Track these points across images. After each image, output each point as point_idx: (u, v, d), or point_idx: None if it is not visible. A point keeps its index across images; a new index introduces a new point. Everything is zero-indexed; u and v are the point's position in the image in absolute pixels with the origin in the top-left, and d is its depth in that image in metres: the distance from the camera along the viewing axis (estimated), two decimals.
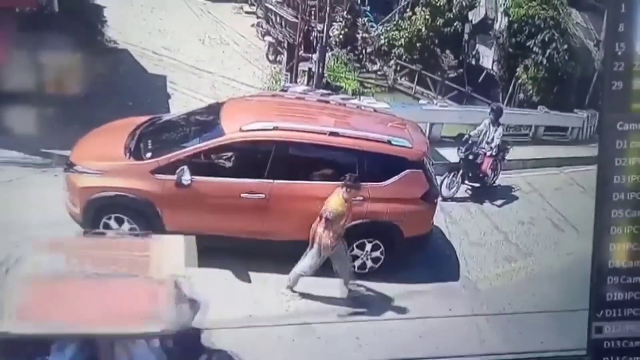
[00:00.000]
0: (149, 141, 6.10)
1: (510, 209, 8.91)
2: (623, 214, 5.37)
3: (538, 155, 11.46)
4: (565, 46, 17.96)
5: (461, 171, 8.62)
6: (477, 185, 8.39)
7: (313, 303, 5.84)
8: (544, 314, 6.45)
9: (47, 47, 6.62)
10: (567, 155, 11.89)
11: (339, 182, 5.82)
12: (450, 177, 8.53)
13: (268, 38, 17.74)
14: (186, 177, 5.51)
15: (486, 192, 8.30)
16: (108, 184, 5.56)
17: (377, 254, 6.23)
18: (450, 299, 6.42)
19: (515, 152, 10.51)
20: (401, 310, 6.07)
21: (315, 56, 13.45)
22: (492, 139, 8.32)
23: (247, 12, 13.20)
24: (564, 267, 7.62)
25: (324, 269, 6.15)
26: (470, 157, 8.50)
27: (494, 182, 7.70)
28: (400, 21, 12.95)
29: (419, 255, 6.73)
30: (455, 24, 12.53)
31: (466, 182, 8.66)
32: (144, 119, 6.69)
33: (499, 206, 8.72)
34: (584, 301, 6.63)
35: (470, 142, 8.67)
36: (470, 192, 8.20)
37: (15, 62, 6.46)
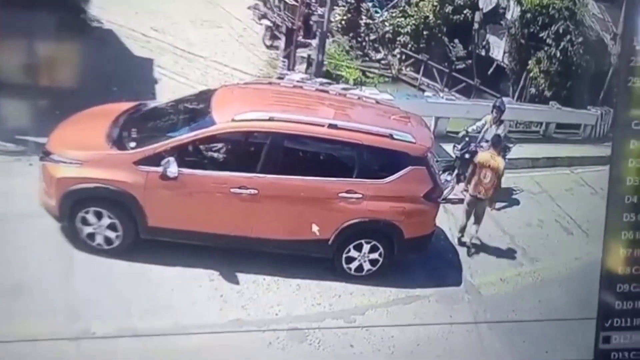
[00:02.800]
0: (134, 129, 5.96)
1: (517, 210, 8.87)
2: (635, 217, 5.33)
3: (548, 153, 11.40)
4: (581, 39, 17.83)
5: (456, 170, 8.50)
6: None
7: (305, 307, 5.77)
8: (550, 323, 6.41)
9: (23, 26, 6.44)
10: (578, 155, 11.84)
11: (336, 179, 5.74)
12: (445, 176, 8.39)
13: (265, 21, 17.54)
14: (172, 170, 5.40)
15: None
16: (87, 175, 5.43)
17: (375, 255, 6.16)
18: (452, 304, 6.36)
19: (525, 150, 10.45)
20: (399, 316, 6.00)
21: (315, 42, 13.32)
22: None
23: None
24: (572, 273, 7.58)
25: (324, 271, 6.14)
26: (467, 155, 8.33)
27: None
28: (406, 7, 12.82)
29: (419, 258, 6.67)
30: (464, 12, 12.43)
31: (462, 182, 8.53)
32: (128, 105, 6.56)
33: (499, 209, 8.63)
34: (591, 309, 6.60)
35: (467, 138, 8.52)
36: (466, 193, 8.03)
37: None
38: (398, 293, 6.26)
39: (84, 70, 9.21)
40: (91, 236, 5.60)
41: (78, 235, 5.60)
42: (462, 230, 7.54)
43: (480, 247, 7.65)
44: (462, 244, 7.63)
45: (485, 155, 7.45)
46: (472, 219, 7.41)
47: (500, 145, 7.57)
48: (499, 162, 7.31)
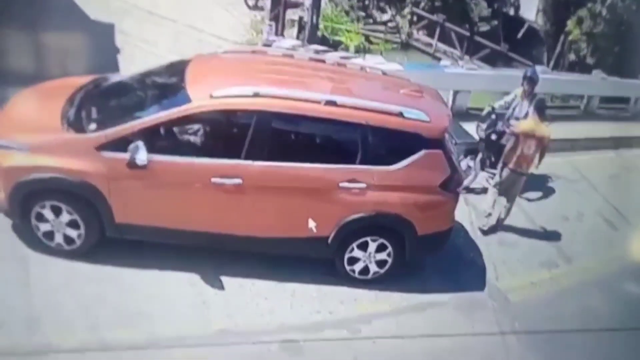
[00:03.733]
0: (93, 109, 6.09)
1: (553, 201, 9.10)
2: None
3: (590, 133, 11.64)
4: None
5: (480, 154, 8.60)
6: None
7: (302, 315, 5.97)
8: (591, 333, 6.65)
9: None
10: (627, 135, 12.08)
11: (336, 166, 5.90)
12: (466, 161, 8.49)
13: None
14: (141, 156, 5.48)
15: None
16: (41, 163, 5.52)
17: (383, 255, 6.36)
18: (474, 312, 6.61)
19: (562, 130, 10.66)
20: (411, 326, 6.21)
21: (307, 1, 13.45)
22: (527, 114, 8.21)
23: None
24: (617, 275, 7.86)
25: (323, 274, 6.36)
26: (493, 136, 8.45)
27: (527, 170, 7.77)
28: None
29: (435, 258, 6.93)
30: None
31: (487, 168, 8.66)
32: (86, 79, 6.70)
33: (532, 200, 8.85)
34: None
35: (493, 116, 8.59)
36: (492, 180, 8.32)
37: None
38: (410, 299, 6.50)
39: (29, 39, 9.36)
40: (49, 235, 5.76)
41: (34, 234, 5.77)
42: (490, 214, 7.94)
43: (510, 228, 8.00)
44: (490, 229, 7.95)
45: (529, 123, 7.80)
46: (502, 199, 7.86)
47: (544, 110, 7.83)
48: (544, 130, 7.63)
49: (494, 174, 8.18)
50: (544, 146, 7.64)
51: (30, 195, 5.59)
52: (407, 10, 20.55)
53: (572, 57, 18.03)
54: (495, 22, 20.59)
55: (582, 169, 10.24)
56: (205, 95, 5.73)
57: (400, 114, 6.03)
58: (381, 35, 20.04)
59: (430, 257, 6.92)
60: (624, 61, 16.76)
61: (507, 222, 8.07)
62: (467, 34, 19.75)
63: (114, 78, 6.91)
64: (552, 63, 18.91)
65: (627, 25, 17.20)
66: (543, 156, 7.75)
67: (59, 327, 5.18)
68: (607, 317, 6.96)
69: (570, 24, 18.03)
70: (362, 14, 20.10)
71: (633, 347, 6.52)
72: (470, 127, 8.99)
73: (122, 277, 5.77)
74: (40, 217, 5.68)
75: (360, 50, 16.58)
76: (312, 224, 6.01)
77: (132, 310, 5.48)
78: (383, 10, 20.91)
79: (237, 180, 5.71)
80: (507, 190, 7.89)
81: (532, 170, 7.86)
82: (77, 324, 5.25)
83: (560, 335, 6.52)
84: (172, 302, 5.68)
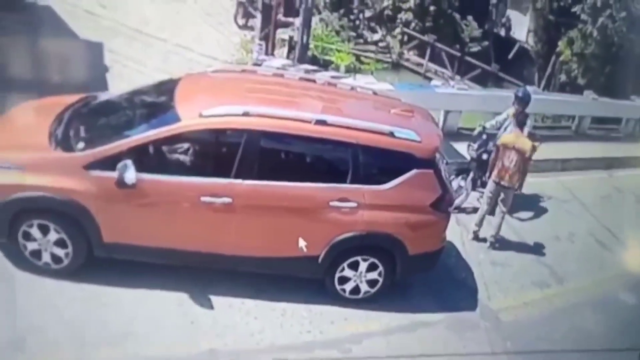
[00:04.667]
0: (82, 127, 6.17)
1: (544, 221, 9.22)
2: None
3: (581, 154, 11.81)
4: (623, 13, 18.33)
5: (471, 174, 8.74)
6: None
7: (292, 335, 6.00)
8: (584, 354, 6.71)
9: None
10: (618, 155, 12.27)
11: (326, 185, 5.98)
12: (458, 181, 8.62)
13: None
14: (130, 175, 5.53)
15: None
16: (28, 182, 5.58)
17: (374, 275, 6.43)
18: (465, 332, 6.67)
19: (553, 150, 10.84)
20: (402, 345, 6.25)
21: (298, 21, 13.66)
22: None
23: None
24: (610, 295, 7.96)
25: (313, 293, 6.40)
26: (484, 156, 8.60)
27: (516, 190, 7.91)
28: None
29: (427, 278, 6.99)
30: None
31: (478, 188, 8.81)
32: (74, 98, 6.79)
33: (523, 220, 8.98)
34: (634, 338, 6.96)
35: (484, 136, 8.76)
36: (481, 199, 8.45)
37: None
38: (401, 319, 6.55)
39: (17, 56, 9.46)
40: (36, 254, 5.80)
41: (21, 253, 5.81)
42: (481, 222, 8.19)
43: (502, 247, 8.14)
44: (477, 238, 8.20)
45: (509, 136, 8.08)
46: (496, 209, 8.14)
47: (526, 124, 8.12)
48: (524, 142, 7.84)
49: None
50: (525, 160, 7.84)
51: (18, 214, 5.64)
52: (397, 31, 20.83)
53: (563, 77, 18.28)
54: (486, 43, 20.89)
55: (574, 189, 10.38)
56: (194, 114, 5.81)
57: (391, 134, 6.13)
58: (372, 55, 20.29)
59: (421, 277, 6.97)
60: (615, 82, 17.03)
61: (498, 242, 8.20)
62: (458, 54, 20.03)
63: (103, 97, 7.01)
64: (543, 83, 19.19)
65: (617, 47, 17.50)
66: (525, 172, 7.94)
67: (45, 347, 5.19)
68: (599, 337, 7.02)
69: (561, 44, 18.32)
70: (353, 34, 20.37)
71: None
72: (462, 147, 9.12)
73: (108, 296, 5.80)
74: (28, 236, 5.72)
75: (350, 70, 16.78)
76: (302, 243, 6.06)
77: (119, 330, 5.50)
78: (374, 30, 21.20)
79: (227, 200, 5.77)
80: (492, 203, 8.14)
81: (515, 185, 7.96)
82: (63, 344, 5.26)
83: (552, 356, 6.58)
84: (160, 321, 5.70)
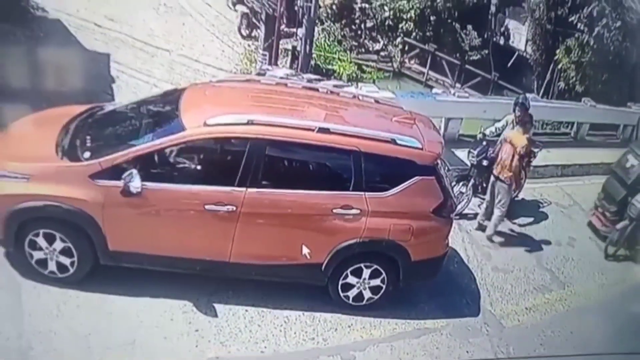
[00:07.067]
0: (88, 137, 6.14)
1: (545, 226, 9.15)
2: None
3: (581, 159, 11.75)
4: (619, 23, 18.31)
5: (472, 181, 8.70)
6: None
7: (296, 343, 5.94)
8: (587, 358, 6.65)
9: None
10: (616, 161, 12.17)
11: (329, 192, 5.93)
12: (459, 187, 8.58)
13: (241, 7, 17.98)
14: (135, 184, 5.51)
15: (510, 207, 8.45)
16: (35, 192, 5.55)
17: (377, 282, 6.37)
18: (468, 338, 6.60)
19: (553, 156, 10.80)
20: (406, 352, 6.19)
21: (301, 31, 13.67)
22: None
23: None
24: (611, 300, 7.87)
25: (316, 301, 6.33)
26: (485, 162, 8.56)
27: (516, 196, 7.86)
28: None
29: (429, 284, 6.91)
30: None
31: (479, 194, 8.77)
32: (81, 108, 6.76)
33: (523, 225, 8.93)
34: (635, 342, 6.86)
35: (484, 143, 8.73)
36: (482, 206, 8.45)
37: None
38: (404, 325, 6.49)
39: (26, 68, 9.47)
40: (42, 263, 5.75)
41: (27, 261, 5.76)
42: (485, 211, 8.42)
43: (503, 252, 8.17)
44: (481, 228, 8.40)
45: (511, 131, 8.31)
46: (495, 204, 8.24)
47: (528, 123, 8.30)
48: (516, 137, 8.02)
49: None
50: (519, 156, 7.93)
51: (25, 223, 5.60)
52: (399, 40, 20.90)
53: (561, 85, 18.27)
54: (486, 51, 20.93)
55: (574, 194, 10.33)
56: (199, 123, 5.78)
57: (393, 141, 6.10)
58: (374, 64, 20.32)
59: (424, 283, 6.90)
60: (612, 89, 17.00)
61: (500, 248, 8.14)
62: (458, 62, 20.06)
63: (109, 107, 6.99)
64: (542, 91, 19.17)
65: (614, 55, 17.51)
66: (519, 172, 8.04)
67: (51, 355, 5.14)
68: (601, 342, 6.94)
69: (559, 52, 18.36)
70: (355, 43, 20.41)
71: None
72: (462, 154, 9.08)
73: (114, 304, 5.75)
74: (34, 245, 5.67)
75: (353, 79, 16.78)
76: (305, 250, 6.02)
77: (125, 338, 5.45)
78: (375, 40, 21.24)
79: (231, 207, 5.73)
80: (492, 195, 8.29)
81: (507, 180, 8.04)
82: (69, 352, 5.21)
83: None
84: (164, 329, 5.65)
